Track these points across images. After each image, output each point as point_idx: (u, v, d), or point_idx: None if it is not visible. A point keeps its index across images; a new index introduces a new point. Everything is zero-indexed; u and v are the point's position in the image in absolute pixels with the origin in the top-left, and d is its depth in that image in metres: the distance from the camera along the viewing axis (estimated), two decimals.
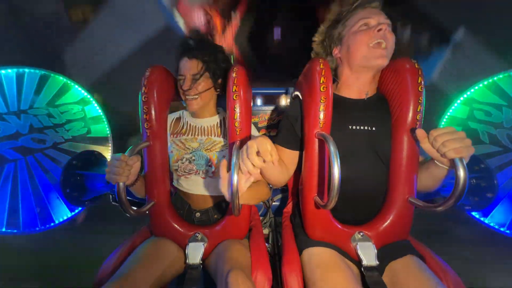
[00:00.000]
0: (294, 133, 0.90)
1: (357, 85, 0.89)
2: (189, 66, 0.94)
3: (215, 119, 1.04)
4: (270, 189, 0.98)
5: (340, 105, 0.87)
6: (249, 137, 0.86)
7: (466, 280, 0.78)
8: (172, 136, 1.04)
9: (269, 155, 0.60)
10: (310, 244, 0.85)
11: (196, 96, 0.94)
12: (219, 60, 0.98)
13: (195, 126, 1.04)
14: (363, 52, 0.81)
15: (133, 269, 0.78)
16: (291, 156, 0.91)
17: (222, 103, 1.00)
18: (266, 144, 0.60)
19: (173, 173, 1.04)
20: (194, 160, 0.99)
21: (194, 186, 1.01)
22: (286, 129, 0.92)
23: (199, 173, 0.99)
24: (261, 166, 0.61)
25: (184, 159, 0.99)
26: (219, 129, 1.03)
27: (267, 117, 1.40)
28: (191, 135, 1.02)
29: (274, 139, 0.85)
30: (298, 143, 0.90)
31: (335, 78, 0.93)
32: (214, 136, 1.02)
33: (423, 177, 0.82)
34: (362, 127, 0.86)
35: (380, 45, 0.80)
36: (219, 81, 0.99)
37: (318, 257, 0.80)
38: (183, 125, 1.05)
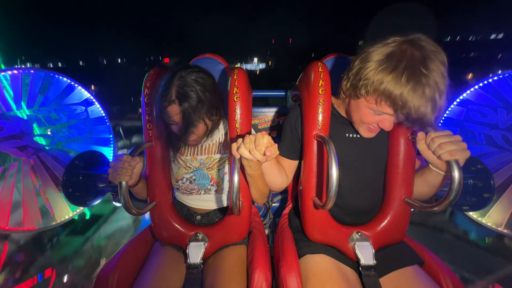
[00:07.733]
0: (294, 143, 0.90)
1: None
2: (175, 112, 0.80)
3: (215, 138, 0.97)
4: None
5: (338, 119, 0.87)
6: None
7: None
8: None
9: (264, 147, 0.63)
10: (308, 251, 0.86)
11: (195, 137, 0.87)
12: (206, 98, 0.81)
13: (194, 147, 0.97)
14: (357, 121, 0.79)
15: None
16: (291, 165, 0.92)
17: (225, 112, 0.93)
18: (262, 139, 0.63)
19: (174, 188, 1.01)
20: (194, 180, 0.97)
21: (195, 201, 1.01)
22: (286, 140, 0.91)
23: (200, 193, 0.98)
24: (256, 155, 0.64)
25: (185, 179, 0.96)
26: (219, 146, 0.97)
27: (267, 119, 1.41)
28: (190, 155, 0.97)
29: None
30: (298, 152, 0.91)
31: (338, 95, 0.86)
32: (215, 153, 0.97)
33: (418, 184, 0.83)
34: (359, 135, 0.84)
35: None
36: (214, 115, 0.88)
37: (316, 265, 0.81)
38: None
